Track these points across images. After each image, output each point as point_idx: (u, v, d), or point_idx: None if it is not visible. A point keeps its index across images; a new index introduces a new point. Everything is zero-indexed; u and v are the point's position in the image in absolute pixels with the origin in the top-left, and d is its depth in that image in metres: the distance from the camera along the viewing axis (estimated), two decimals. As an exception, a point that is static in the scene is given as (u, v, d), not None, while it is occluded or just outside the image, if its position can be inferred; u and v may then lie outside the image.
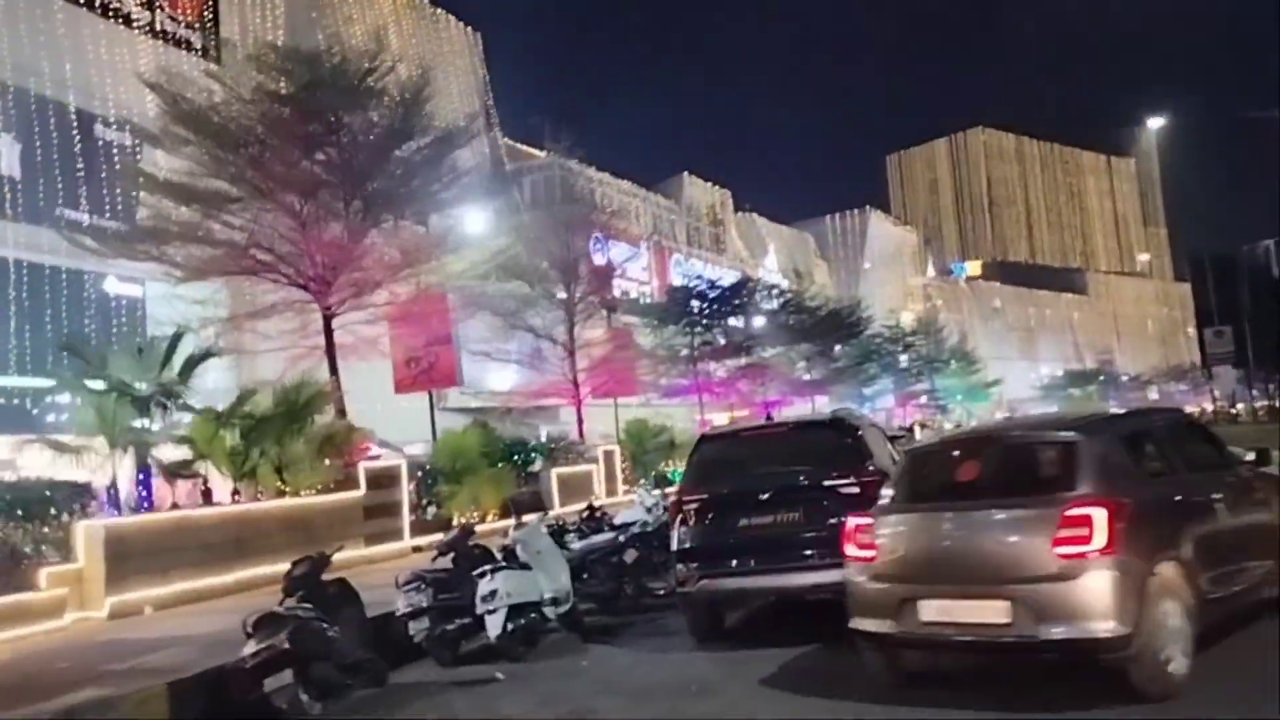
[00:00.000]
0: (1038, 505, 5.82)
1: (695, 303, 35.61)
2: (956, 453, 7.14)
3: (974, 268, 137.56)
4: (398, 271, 18.40)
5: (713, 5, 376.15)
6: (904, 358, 66.18)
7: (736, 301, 37.76)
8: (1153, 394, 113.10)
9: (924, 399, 74.26)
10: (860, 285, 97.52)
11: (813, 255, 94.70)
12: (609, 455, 24.80)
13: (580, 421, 28.23)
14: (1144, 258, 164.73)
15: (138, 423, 13.24)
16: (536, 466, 20.97)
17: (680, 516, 8.62)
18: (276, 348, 18.22)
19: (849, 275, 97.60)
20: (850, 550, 6.46)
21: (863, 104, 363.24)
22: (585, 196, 56.64)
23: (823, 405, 56.87)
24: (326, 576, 7.93)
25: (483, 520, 16.52)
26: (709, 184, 74.19)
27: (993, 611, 5.67)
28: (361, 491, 15.11)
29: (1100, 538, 5.47)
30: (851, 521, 6.53)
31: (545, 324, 27.16)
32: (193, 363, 14.28)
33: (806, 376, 46.36)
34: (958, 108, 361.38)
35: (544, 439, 25.05)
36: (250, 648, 6.87)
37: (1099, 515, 5.51)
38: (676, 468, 29.44)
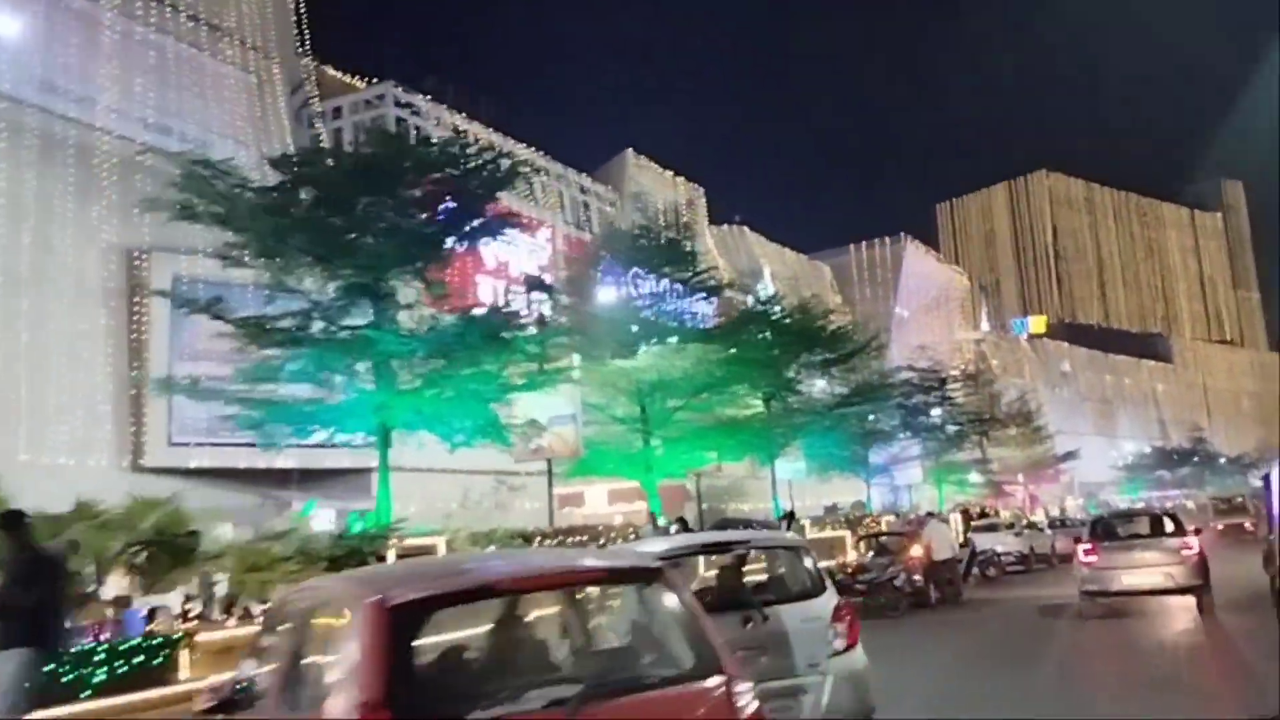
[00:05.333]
0: (1174, 538, 16.14)
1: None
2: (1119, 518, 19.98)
3: (1037, 324, 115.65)
4: None
5: (751, 29, 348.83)
6: (938, 411, 45.03)
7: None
8: (1256, 479, 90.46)
9: (973, 475, 52.56)
10: (893, 334, 76.97)
11: (830, 289, 74.17)
12: None
13: None
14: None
15: None
16: None
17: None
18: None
19: (878, 320, 76.80)
20: (1082, 559, 16.18)
21: (909, 146, 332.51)
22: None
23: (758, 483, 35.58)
24: None
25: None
26: (668, 173, 54.26)
27: (1157, 576, 15.63)
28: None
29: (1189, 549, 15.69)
30: (1083, 545, 16.40)
31: None
32: None
33: (738, 413, 25.56)
34: (1016, 151, 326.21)
35: None
36: None
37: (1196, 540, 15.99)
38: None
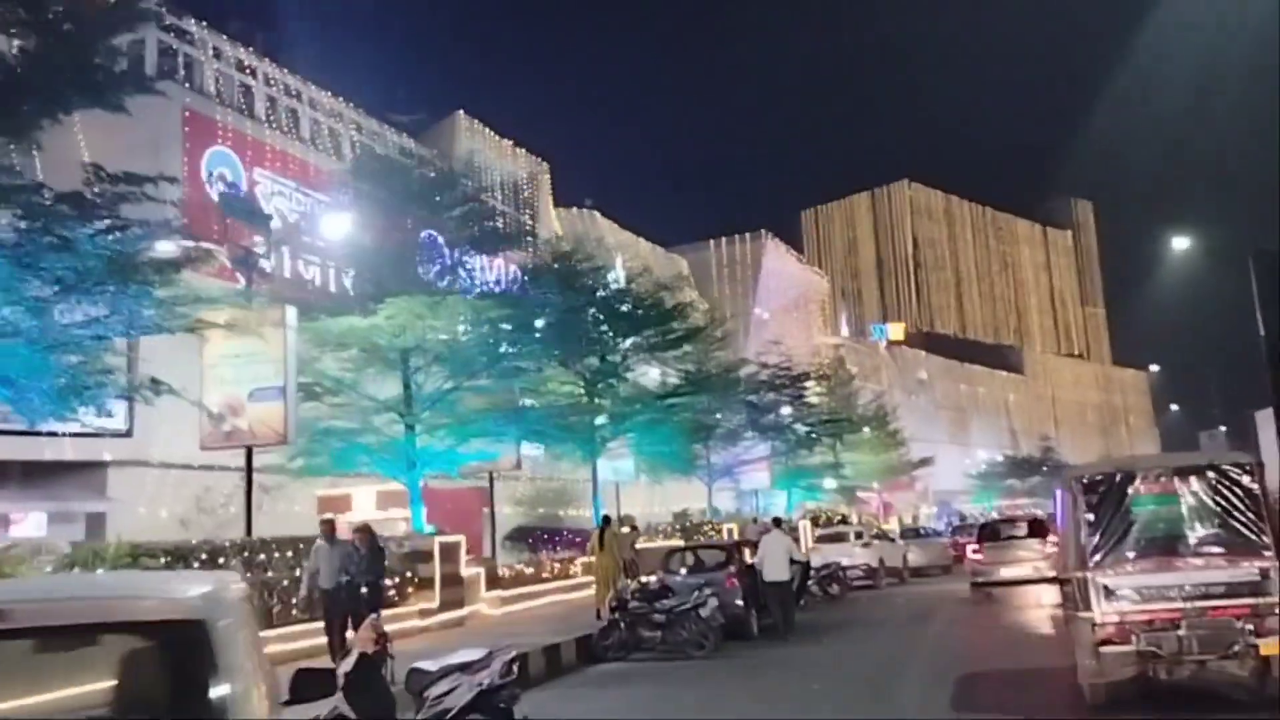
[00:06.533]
0: (1038, 538, 22.37)
1: None
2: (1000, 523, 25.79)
3: (896, 331, 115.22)
4: None
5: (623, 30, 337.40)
6: (789, 410, 41.57)
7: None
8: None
9: (826, 480, 49.41)
10: (751, 334, 74.23)
11: (686, 285, 70.53)
12: None
13: None
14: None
15: None
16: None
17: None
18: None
19: (735, 319, 73.60)
20: (972, 556, 23.48)
21: (775, 151, 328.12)
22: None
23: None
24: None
25: None
26: (507, 142, 49.39)
27: (1027, 569, 21.61)
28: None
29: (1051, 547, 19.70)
30: (972, 546, 23.99)
31: None
32: None
33: (553, 399, 21.16)
34: (878, 162, 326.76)
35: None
36: None
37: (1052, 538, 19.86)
38: None
